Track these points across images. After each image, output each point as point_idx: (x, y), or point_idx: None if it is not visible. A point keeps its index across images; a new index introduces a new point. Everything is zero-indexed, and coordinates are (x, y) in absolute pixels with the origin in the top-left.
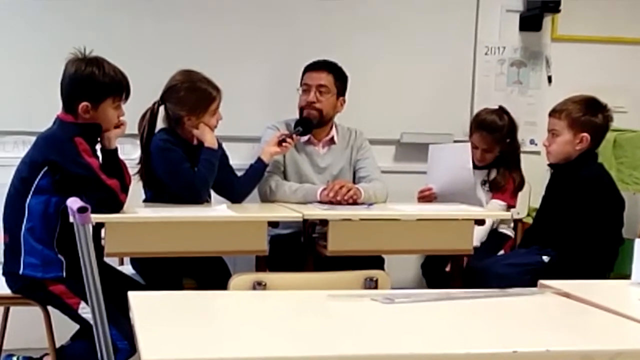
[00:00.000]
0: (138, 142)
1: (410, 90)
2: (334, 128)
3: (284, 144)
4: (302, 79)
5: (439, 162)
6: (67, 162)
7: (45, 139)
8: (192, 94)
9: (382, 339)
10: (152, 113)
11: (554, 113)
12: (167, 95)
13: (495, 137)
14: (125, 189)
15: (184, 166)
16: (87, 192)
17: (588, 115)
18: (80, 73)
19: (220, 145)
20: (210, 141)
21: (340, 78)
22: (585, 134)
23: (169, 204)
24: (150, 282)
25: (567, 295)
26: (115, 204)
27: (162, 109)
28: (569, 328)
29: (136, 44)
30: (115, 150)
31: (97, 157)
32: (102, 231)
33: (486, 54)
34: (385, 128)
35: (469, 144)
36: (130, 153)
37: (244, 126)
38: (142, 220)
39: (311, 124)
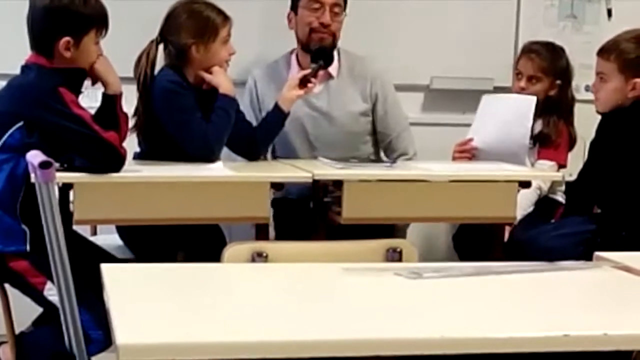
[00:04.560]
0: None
1: (442, 26)
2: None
3: (308, 84)
4: None
5: (490, 113)
6: (53, 115)
7: (21, 89)
8: (195, 18)
9: (408, 321)
10: (149, 54)
11: (602, 53)
12: (167, 28)
13: (544, 63)
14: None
15: (196, 116)
16: (80, 149)
17: None
18: (57, 3)
19: None
20: (226, 87)
21: None
22: (638, 80)
23: (162, 160)
24: (140, 255)
25: (628, 269)
26: (116, 161)
27: (161, 50)
28: (630, 308)
29: None
30: (118, 97)
31: (85, 109)
32: (71, 194)
33: None
34: (412, 71)
35: (535, 98)
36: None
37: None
38: (118, 180)
39: (331, 52)
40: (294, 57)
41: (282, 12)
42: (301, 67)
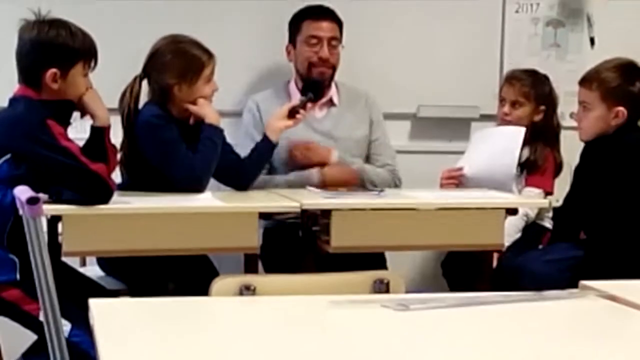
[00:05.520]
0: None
1: (429, 55)
2: (333, 87)
3: (297, 115)
4: (299, 30)
5: (481, 143)
6: (41, 148)
7: (9, 121)
8: (180, 58)
9: (395, 354)
10: (132, 90)
11: (584, 82)
12: (151, 65)
13: (526, 88)
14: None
15: (181, 147)
16: (68, 181)
17: (624, 85)
18: (44, 35)
19: None
20: (212, 117)
21: (341, 25)
22: (620, 108)
23: (147, 192)
24: (132, 287)
25: (613, 298)
26: (104, 193)
27: (145, 86)
28: (615, 338)
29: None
30: (106, 129)
31: (73, 142)
32: (59, 226)
33: (517, 11)
34: (399, 100)
35: (523, 129)
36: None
37: (225, 98)
38: (107, 212)
39: (322, 86)
40: (292, 86)
41: (274, 43)
42: None
